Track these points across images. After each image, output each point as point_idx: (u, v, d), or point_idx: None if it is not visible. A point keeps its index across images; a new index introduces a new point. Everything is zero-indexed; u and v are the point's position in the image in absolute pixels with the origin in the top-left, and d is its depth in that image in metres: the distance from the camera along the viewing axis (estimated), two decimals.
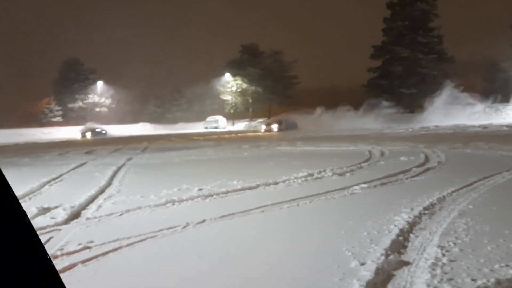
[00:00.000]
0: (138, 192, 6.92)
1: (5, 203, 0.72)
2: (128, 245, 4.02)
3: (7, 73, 71.48)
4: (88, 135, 40.17)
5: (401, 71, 47.10)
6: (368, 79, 50.34)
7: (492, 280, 2.84)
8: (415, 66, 46.27)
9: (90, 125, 44.64)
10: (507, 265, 3.08)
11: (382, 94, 47.28)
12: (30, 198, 6.80)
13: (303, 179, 7.64)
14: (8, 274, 0.68)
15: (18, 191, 7.30)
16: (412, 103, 46.89)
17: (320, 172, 8.21)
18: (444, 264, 3.17)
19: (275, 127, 36.99)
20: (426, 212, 4.77)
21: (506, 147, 11.65)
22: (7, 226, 0.71)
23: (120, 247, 3.96)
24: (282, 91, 60.42)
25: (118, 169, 10.63)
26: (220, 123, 56.83)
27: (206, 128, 55.86)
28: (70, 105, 63.20)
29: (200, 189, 6.90)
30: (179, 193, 6.69)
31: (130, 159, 13.50)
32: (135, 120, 63.68)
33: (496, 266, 3.08)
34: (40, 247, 0.75)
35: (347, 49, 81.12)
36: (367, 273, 3.03)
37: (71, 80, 62.91)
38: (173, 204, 5.90)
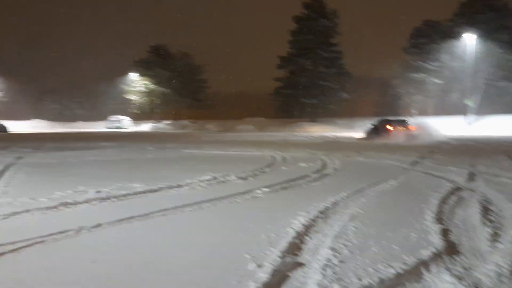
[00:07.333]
0: (28, 193, 6.38)
1: None
2: (12, 250, 3.69)
3: None
4: None
5: (305, 82, 49.71)
6: (275, 88, 52.37)
7: (375, 278, 3.08)
8: (317, 78, 49.24)
9: None
10: (389, 265, 3.36)
11: (287, 103, 50.16)
12: None
13: (207, 182, 7.63)
14: None
15: None
16: (314, 113, 49.79)
17: (224, 176, 8.27)
18: (335, 265, 3.36)
19: None
20: (321, 215, 5.03)
21: (392, 156, 12.78)
22: None
23: (2, 253, 3.61)
24: (191, 94, 59.96)
25: (6, 168, 9.71)
26: (123, 123, 54.68)
27: (108, 128, 53.36)
28: None
29: (98, 192, 6.55)
30: (74, 195, 6.29)
31: (20, 158, 12.40)
32: (28, 116, 58.60)
33: (379, 265, 3.35)
34: None
35: (257, 58, 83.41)
36: (264, 275, 3.11)
37: None
38: (67, 207, 5.53)
